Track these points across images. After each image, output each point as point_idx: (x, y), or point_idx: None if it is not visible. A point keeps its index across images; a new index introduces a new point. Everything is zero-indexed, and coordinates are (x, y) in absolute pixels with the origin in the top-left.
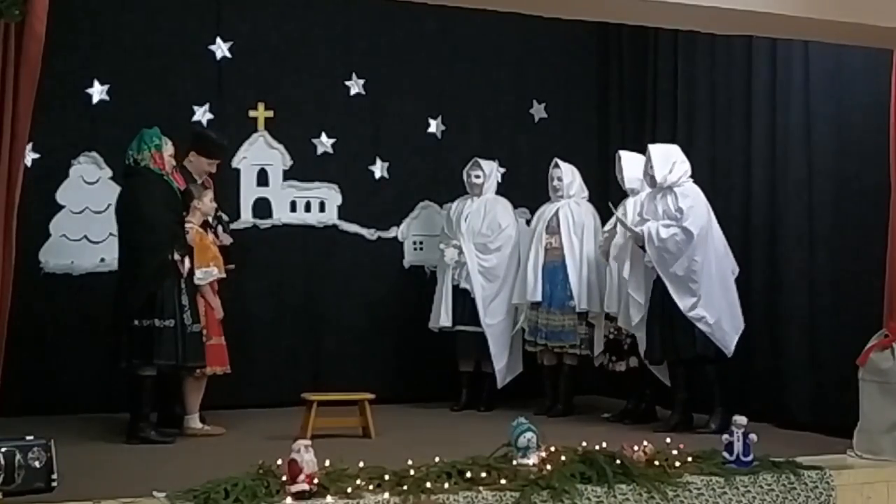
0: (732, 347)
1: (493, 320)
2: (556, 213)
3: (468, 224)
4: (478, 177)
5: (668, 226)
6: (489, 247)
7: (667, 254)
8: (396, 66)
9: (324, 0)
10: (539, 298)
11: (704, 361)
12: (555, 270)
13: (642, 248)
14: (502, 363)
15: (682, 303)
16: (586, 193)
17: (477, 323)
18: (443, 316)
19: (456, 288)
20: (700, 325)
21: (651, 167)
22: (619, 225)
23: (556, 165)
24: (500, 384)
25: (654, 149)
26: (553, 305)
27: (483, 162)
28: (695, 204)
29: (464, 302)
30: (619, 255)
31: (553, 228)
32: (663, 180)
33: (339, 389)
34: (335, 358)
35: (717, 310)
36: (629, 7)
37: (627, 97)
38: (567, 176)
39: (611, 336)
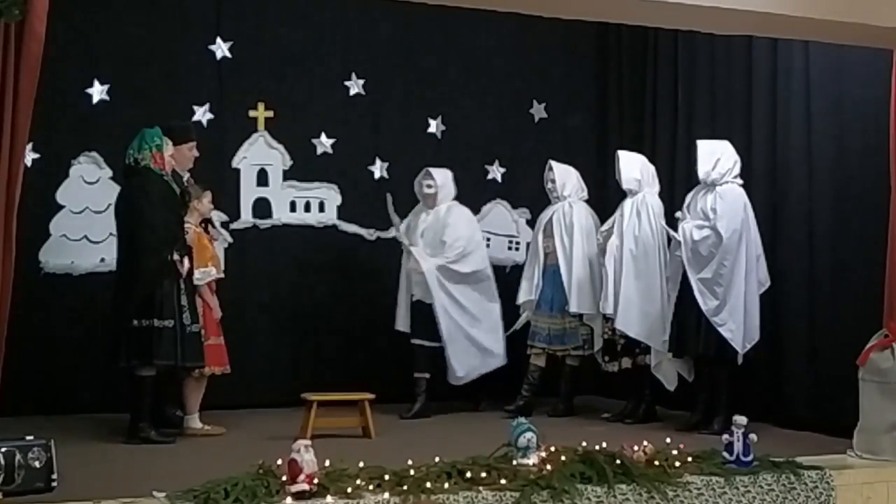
0: (741, 358)
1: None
2: (551, 217)
3: (425, 240)
4: (430, 186)
5: (700, 227)
6: (465, 252)
7: (698, 256)
8: (396, 66)
9: (324, 0)
10: (524, 300)
11: (714, 362)
12: (554, 273)
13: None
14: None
15: (706, 305)
16: (584, 194)
17: (435, 338)
18: (400, 321)
19: (419, 303)
20: (721, 331)
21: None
22: (616, 225)
23: (550, 168)
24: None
25: (701, 144)
26: (555, 309)
27: (435, 171)
28: (730, 207)
29: (423, 316)
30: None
31: (549, 231)
32: (706, 176)
33: (339, 389)
34: (335, 358)
35: (739, 317)
36: (629, 7)
37: (627, 97)
38: (560, 178)
39: (606, 336)
